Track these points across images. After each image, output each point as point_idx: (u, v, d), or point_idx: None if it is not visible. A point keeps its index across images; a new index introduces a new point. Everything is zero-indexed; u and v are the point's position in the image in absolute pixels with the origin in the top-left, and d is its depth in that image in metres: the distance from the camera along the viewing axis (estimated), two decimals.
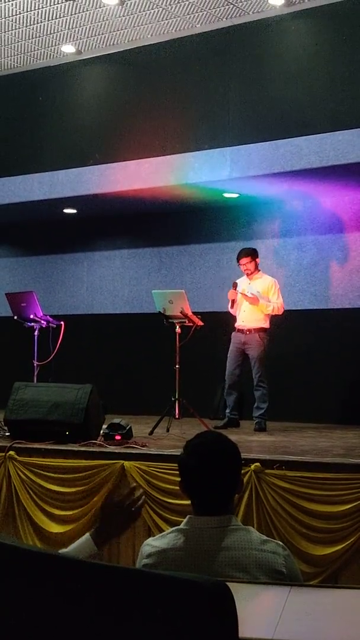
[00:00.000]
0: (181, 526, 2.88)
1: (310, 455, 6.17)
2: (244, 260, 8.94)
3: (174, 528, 2.93)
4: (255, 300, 8.76)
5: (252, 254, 9.00)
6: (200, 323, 8.50)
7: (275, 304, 8.86)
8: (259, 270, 9.06)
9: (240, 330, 8.92)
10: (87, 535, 2.67)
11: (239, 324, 8.95)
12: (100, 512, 2.75)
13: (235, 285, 8.93)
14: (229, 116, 9.92)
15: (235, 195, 10.43)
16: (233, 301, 8.88)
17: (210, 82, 10.14)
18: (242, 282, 9.01)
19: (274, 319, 9.00)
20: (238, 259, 9.02)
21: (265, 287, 8.94)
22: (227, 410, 8.97)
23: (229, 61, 10.01)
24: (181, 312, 8.39)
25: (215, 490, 2.88)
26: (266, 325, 8.90)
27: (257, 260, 9.01)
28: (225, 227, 11.18)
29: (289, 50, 9.73)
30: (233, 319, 9.03)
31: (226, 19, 9.95)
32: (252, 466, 5.65)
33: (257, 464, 5.69)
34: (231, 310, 9.00)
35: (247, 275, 8.98)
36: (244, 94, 9.89)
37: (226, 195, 10.40)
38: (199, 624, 1.51)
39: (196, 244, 11.43)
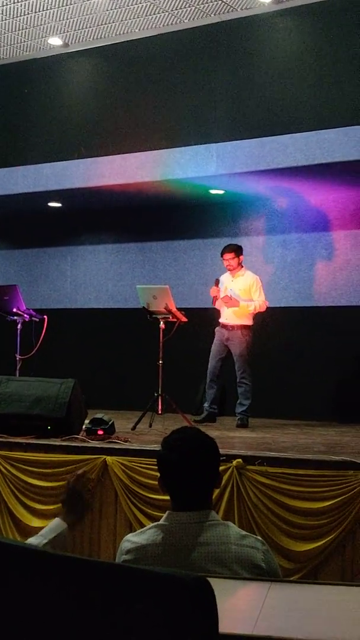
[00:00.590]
0: (160, 522, 2.88)
1: (291, 452, 6.19)
2: (227, 256, 8.93)
3: (153, 524, 2.93)
4: (235, 303, 8.74)
5: (237, 250, 8.99)
6: (184, 319, 8.50)
7: (257, 302, 8.85)
8: (242, 267, 9.06)
9: (224, 326, 8.93)
10: (56, 519, 2.98)
11: (222, 319, 8.96)
12: (63, 497, 3.11)
13: (217, 282, 8.92)
14: (215, 112, 9.93)
15: (221, 192, 10.43)
16: (215, 298, 8.87)
17: (198, 78, 10.13)
18: (225, 279, 9.00)
19: (257, 315, 9.01)
20: (222, 254, 9.02)
21: (248, 285, 8.94)
22: (206, 404, 8.97)
23: (217, 57, 10.01)
24: (165, 308, 8.38)
25: (194, 486, 2.88)
26: (249, 322, 8.90)
27: (241, 257, 9.00)
28: (210, 224, 11.19)
29: (277, 48, 9.73)
30: (218, 313, 9.04)
31: (214, 14, 9.94)
32: (234, 462, 5.65)
33: (239, 460, 5.69)
34: (216, 306, 9.01)
35: (230, 271, 8.98)
36: (231, 90, 9.89)
37: (212, 191, 10.40)
38: (180, 619, 1.52)
39: (181, 239, 11.42)
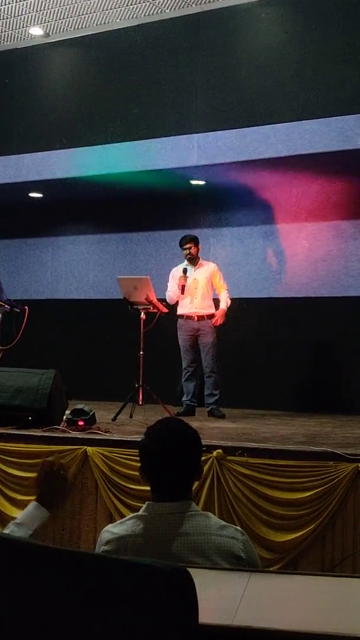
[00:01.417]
0: (140, 512, 2.89)
1: (272, 443, 6.20)
2: (187, 245, 8.94)
3: (132, 514, 2.93)
4: (222, 313, 8.82)
5: (195, 239, 9.03)
6: (165, 310, 8.50)
7: (225, 293, 8.99)
8: (200, 258, 9.08)
9: (191, 318, 8.91)
10: (33, 503, 2.91)
11: (188, 311, 8.91)
12: (37, 481, 3.01)
13: (185, 272, 8.89)
14: (196, 102, 9.91)
15: (202, 183, 10.42)
16: (183, 287, 8.85)
17: (179, 68, 10.11)
18: (188, 269, 8.97)
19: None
20: (181, 244, 9.01)
21: (210, 273, 8.99)
22: (187, 398, 8.96)
23: (198, 47, 9.98)
24: (146, 299, 8.37)
25: (175, 477, 2.88)
26: (214, 310, 8.93)
27: (199, 246, 9.04)
28: (191, 215, 11.18)
29: (258, 38, 9.72)
30: (174, 307, 8.99)
31: (195, 4, 9.92)
32: (214, 453, 5.67)
33: (219, 450, 5.70)
34: (174, 298, 8.91)
35: (190, 261, 8.97)
36: (212, 80, 9.87)
37: (193, 182, 10.39)
38: (160, 609, 1.52)
39: (162, 230, 11.41)
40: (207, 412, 8.82)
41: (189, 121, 9.87)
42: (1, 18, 10.60)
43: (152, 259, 11.39)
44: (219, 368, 8.87)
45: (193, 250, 8.94)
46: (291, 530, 5.52)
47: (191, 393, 8.95)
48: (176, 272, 8.97)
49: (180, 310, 8.96)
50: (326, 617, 2.06)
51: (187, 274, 8.86)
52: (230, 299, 9.02)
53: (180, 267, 8.99)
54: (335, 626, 1.94)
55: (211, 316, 8.86)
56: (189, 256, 8.96)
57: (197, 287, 8.89)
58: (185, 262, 9.01)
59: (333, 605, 2.19)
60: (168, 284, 9.00)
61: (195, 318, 8.87)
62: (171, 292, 8.93)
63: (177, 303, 8.97)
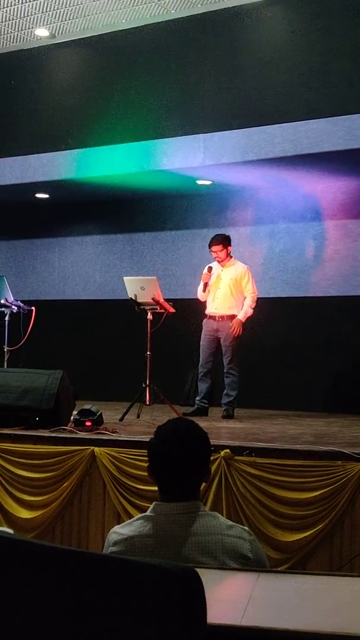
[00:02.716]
0: (147, 513, 2.88)
1: (279, 442, 6.20)
2: (215, 248, 8.87)
3: (139, 515, 2.93)
4: (239, 324, 8.75)
5: (224, 241, 8.91)
6: (172, 310, 8.50)
7: (248, 302, 8.84)
8: (231, 257, 9.02)
9: (212, 317, 8.89)
10: None
11: (210, 310, 8.92)
12: None
13: (210, 269, 8.87)
14: (203, 103, 9.90)
15: (208, 183, 10.42)
16: (206, 284, 8.84)
17: (185, 68, 10.11)
18: (216, 267, 8.94)
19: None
20: (210, 246, 8.97)
21: (239, 275, 8.89)
22: (198, 398, 8.95)
23: (204, 48, 9.98)
24: (153, 299, 8.37)
25: (183, 477, 2.88)
26: (238, 311, 8.88)
27: (229, 247, 8.94)
28: (198, 214, 11.18)
29: (265, 38, 9.71)
30: (203, 305, 9.00)
31: (201, 5, 9.91)
32: (222, 453, 5.66)
33: (227, 450, 5.70)
34: (201, 295, 8.95)
35: (219, 262, 8.95)
36: (219, 80, 9.87)
37: (199, 182, 10.39)
38: (168, 609, 1.52)
39: (169, 230, 11.41)
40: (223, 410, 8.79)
41: (195, 121, 9.86)
42: (7, 19, 10.61)
43: (159, 259, 11.40)
44: (236, 369, 8.82)
45: (222, 253, 8.84)
46: (299, 530, 5.51)
47: (203, 394, 8.90)
48: (206, 268, 8.96)
49: (206, 309, 8.96)
50: (335, 616, 2.06)
51: (212, 272, 8.85)
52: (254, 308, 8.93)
53: (214, 264, 8.98)
54: (344, 626, 1.93)
55: (232, 317, 8.82)
56: (217, 259, 8.92)
57: (220, 287, 8.85)
58: None
59: (342, 605, 2.19)
60: None
61: (217, 318, 8.85)
62: (198, 288, 8.95)
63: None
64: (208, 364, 8.91)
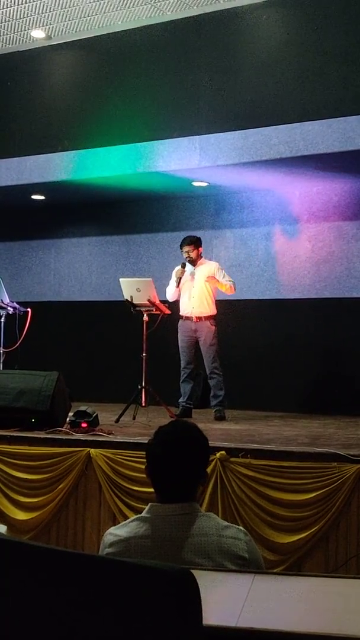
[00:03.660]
0: (143, 514, 2.88)
1: (275, 444, 6.20)
2: (187, 248, 8.88)
3: (135, 516, 2.93)
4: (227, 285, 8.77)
5: (196, 242, 8.95)
6: (168, 311, 8.50)
7: (230, 282, 8.86)
8: (202, 257, 9.04)
9: (189, 319, 8.85)
10: None
11: (187, 311, 8.87)
12: None
13: (184, 265, 8.86)
14: (199, 104, 9.90)
15: (204, 184, 10.42)
16: (179, 279, 8.81)
17: (181, 70, 10.10)
18: (188, 268, 8.91)
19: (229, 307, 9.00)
20: (181, 247, 8.97)
21: (211, 271, 8.90)
22: (182, 399, 8.90)
23: (199, 49, 9.98)
24: (148, 301, 8.38)
25: (180, 479, 2.88)
26: (215, 311, 8.87)
27: (200, 249, 8.97)
28: (193, 216, 11.18)
29: (260, 40, 9.71)
30: (176, 306, 8.96)
31: (197, 6, 9.92)
32: (218, 454, 5.67)
33: (223, 452, 5.71)
34: (172, 293, 8.87)
35: (190, 262, 8.92)
36: (215, 82, 9.86)
37: (195, 184, 10.39)
38: (164, 611, 1.52)
39: (164, 232, 11.41)
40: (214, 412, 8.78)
41: (191, 123, 9.86)
42: (3, 21, 10.61)
43: (155, 261, 11.40)
44: (220, 368, 8.83)
45: (193, 254, 8.88)
46: (295, 531, 5.52)
47: (187, 395, 8.89)
48: (180, 265, 8.94)
49: (180, 311, 8.93)
50: (330, 618, 2.06)
51: (185, 271, 8.83)
52: (233, 294, 8.98)
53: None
54: (340, 627, 1.94)
55: (209, 317, 8.81)
56: (188, 259, 8.91)
57: (194, 286, 8.84)
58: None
59: (337, 607, 2.19)
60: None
61: (194, 319, 8.83)
62: (169, 286, 8.91)
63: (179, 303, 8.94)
64: (190, 365, 8.89)
